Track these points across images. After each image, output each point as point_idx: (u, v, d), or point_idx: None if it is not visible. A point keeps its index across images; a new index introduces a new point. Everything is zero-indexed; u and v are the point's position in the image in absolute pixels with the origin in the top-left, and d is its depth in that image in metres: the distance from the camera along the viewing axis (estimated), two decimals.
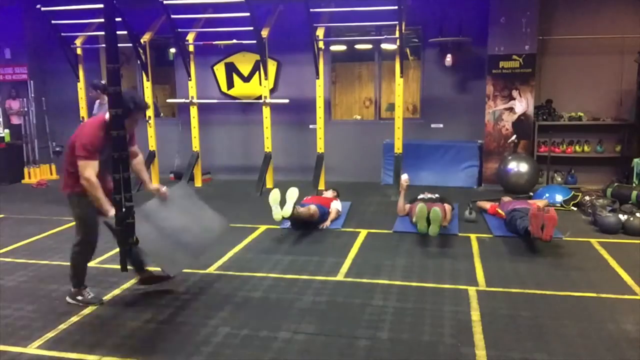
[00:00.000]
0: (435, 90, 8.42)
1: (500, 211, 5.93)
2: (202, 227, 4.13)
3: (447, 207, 5.75)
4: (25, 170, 9.08)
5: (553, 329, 3.37)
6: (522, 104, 7.71)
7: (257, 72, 8.64)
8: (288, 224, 5.86)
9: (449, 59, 7.98)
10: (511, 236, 5.38)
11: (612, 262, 4.62)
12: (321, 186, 7.86)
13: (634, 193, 6.20)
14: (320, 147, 7.91)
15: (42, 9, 7.85)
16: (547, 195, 6.69)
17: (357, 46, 9.89)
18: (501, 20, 7.57)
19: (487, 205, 6.36)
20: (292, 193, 5.58)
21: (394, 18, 7.12)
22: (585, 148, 7.87)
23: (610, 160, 7.91)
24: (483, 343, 3.18)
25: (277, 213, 5.37)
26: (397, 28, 7.20)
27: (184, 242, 3.90)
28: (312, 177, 7.79)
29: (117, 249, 4.25)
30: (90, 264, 4.68)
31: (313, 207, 5.71)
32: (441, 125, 8.43)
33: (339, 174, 8.51)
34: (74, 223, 3.82)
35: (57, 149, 9.54)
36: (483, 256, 4.80)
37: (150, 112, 8.36)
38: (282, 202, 5.46)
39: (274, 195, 5.50)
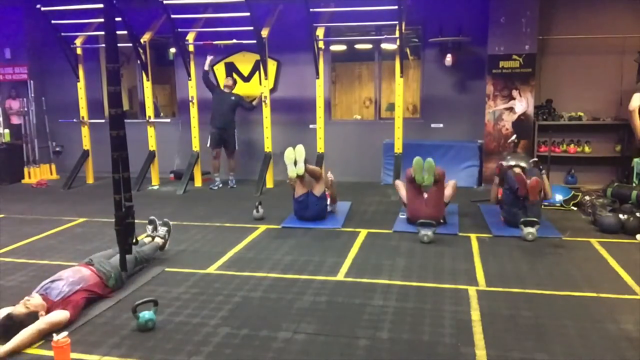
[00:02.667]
0: (435, 90, 8.42)
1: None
2: None
3: (452, 182, 5.98)
4: (25, 170, 9.08)
5: (553, 329, 3.37)
6: (522, 104, 7.71)
7: (257, 72, 8.64)
8: (290, 222, 5.89)
9: (449, 58, 7.97)
10: (511, 236, 5.38)
11: (612, 262, 4.62)
12: None
13: (634, 193, 6.20)
14: (320, 147, 7.92)
15: (42, 9, 7.85)
16: None
17: (357, 46, 9.90)
18: (501, 20, 7.56)
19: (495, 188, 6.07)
20: (300, 151, 5.92)
21: (394, 18, 7.13)
22: (586, 148, 7.88)
23: (610, 160, 7.92)
24: (483, 343, 3.18)
25: (292, 171, 5.86)
26: (397, 28, 7.21)
27: None
28: None
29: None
30: None
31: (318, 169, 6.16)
32: (441, 125, 8.43)
33: (339, 173, 8.46)
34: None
35: (57, 148, 9.55)
36: (483, 256, 4.81)
37: (150, 112, 8.39)
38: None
39: (290, 155, 5.90)
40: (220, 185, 8.28)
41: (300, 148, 5.94)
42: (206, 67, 8.02)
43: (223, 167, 8.38)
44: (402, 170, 7.41)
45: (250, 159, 8.83)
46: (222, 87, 8.32)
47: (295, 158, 5.87)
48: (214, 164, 8.31)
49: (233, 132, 8.22)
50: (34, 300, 3.41)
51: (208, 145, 8.19)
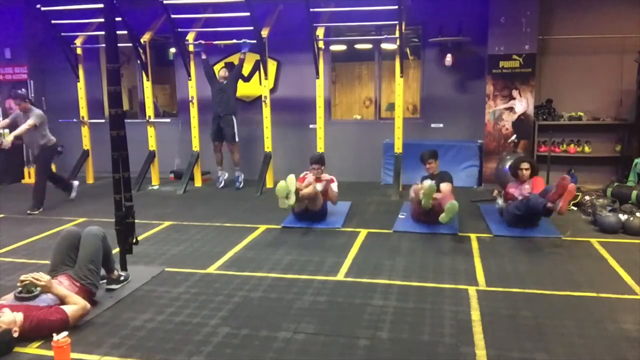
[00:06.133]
0: (435, 90, 8.42)
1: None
2: None
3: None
4: (25, 170, 9.08)
5: (553, 329, 3.37)
6: (522, 104, 7.71)
7: (257, 72, 8.64)
8: (290, 222, 5.90)
9: (449, 58, 7.97)
10: (511, 236, 5.38)
11: (612, 262, 4.62)
12: None
13: (634, 193, 6.20)
14: (320, 147, 7.91)
15: (42, 9, 7.85)
16: None
17: (357, 46, 9.90)
18: (501, 20, 7.56)
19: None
20: (291, 183, 5.49)
21: (394, 18, 7.13)
22: (586, 148, 7.88)
23: (610, 160, 7.92)
24: (483, 343, 3.18)
25: (284, 204, 5.47)
26: (397, 28, 7.21)
27: None
28: None
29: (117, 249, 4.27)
30: None
31: (313, 186, 5.72)
32: (441, 125, 8.43)
33: (339, 173, 8.44)
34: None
35: (57, 148, 9.52)
36: (483, 256, 4.81)
37: (150, 112, 8.39)
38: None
39: (282, 190, 5.44)
40: (226, 180, 8.27)
41: (291, 179, 5.50)
42: (203, 56, 7.95)
43: (227, 162, 8.35)
44: (402, 170, 7.43)
45: (250, 159, 8.82)
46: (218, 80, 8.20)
47: (287, 191, 5.45)
48: (216, 158, 8.28)
49: (231, 121, 7.98)
50: (5, 317, 3.16)
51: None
